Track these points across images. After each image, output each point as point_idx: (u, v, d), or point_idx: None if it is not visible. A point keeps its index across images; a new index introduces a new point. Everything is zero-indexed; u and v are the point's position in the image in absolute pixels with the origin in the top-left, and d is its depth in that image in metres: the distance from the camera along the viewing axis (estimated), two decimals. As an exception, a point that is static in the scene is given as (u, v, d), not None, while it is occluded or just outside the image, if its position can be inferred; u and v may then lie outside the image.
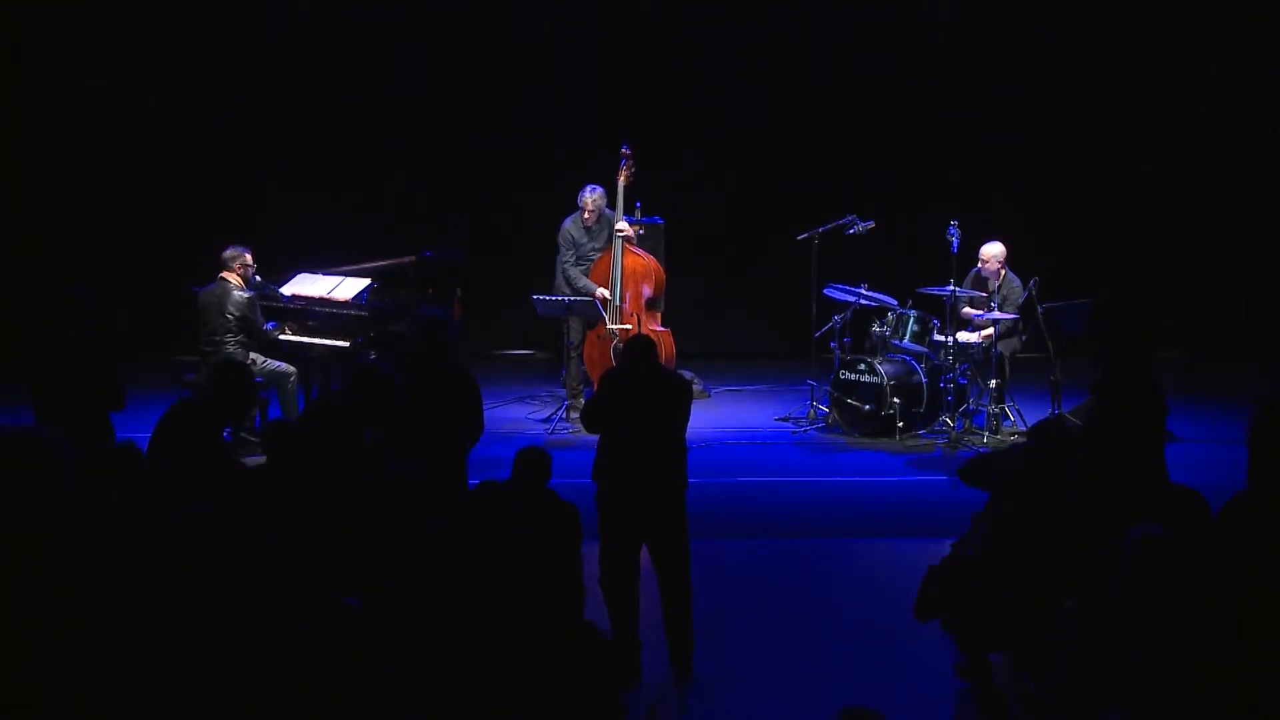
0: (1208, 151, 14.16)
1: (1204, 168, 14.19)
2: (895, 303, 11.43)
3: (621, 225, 11.72)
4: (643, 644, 6.87)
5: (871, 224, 11.73)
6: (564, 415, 11.60)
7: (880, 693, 6.58)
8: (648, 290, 11.76)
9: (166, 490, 6.02)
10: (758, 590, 8.15)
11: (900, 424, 11.07)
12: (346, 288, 11.14)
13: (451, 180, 14.42)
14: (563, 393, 11.97)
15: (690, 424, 6.99)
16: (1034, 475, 6.45)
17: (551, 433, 11.26)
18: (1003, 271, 11.30)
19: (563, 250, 11.88)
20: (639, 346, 7.02)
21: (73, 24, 13.94)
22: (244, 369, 7.61)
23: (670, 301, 12.26)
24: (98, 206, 14.15)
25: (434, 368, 7.68)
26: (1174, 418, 7.40)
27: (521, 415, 12.09)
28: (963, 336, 11.21)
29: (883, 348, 11.35)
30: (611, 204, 11.82)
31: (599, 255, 11.84)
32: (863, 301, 11.45)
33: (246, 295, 10.38)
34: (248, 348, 10.33)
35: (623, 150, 11.81)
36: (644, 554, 6.90)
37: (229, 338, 10.28)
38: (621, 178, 11.78)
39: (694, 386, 11.61)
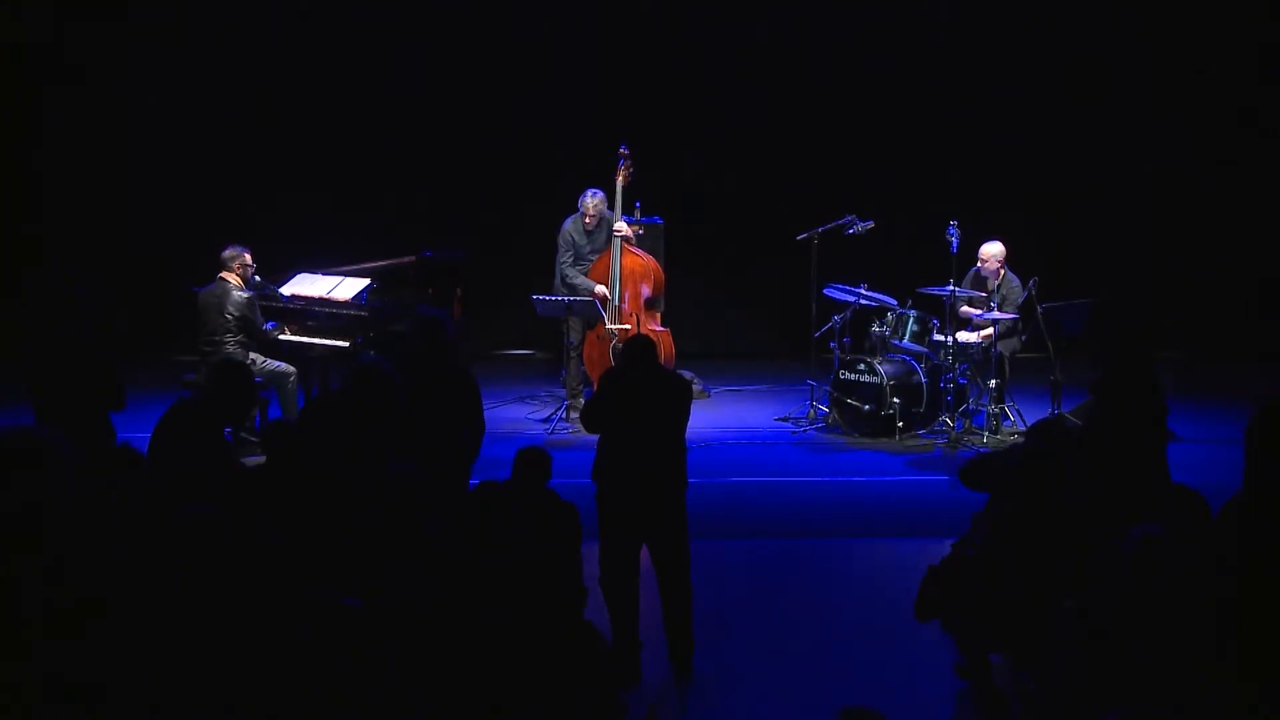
0: (1208, 151, 14.16)
1: (1204, 168, 14.19)
2: (895, 303, 11.44)
3: (620, 225, 11.73)
4: (643, 644, 6.87)
5: (871, 224, 11.73)
6: (564, 415, 11.60)
7: (880, 693, 6.58)
8: (647, 290, 11.77)
9: (166, 490, 6.02)
10: (758, 590, 8.15)
11: (900, 424, 11.07)
12: (346, 288, 11.14)
13: (451, 180, 14.42)
14: (563, 393, 11.98)
15: (690, 424, 6.99)
16: (1034, 475, 6.45)
17: (551, 433, 11.26)
18: (1002, 271, 11.30)
19: (561, 250, 11.88)
20: (639, 346, 7.02)
21: (73, 24, 13.94)
22: (244, 369, 7.60)
23: (670, 301, 12.26)
24: (98, 206, 14.15)
25: (434, 368, 7.68)
26: (1174, 418, 7.39)
27: (521, 415, 12.09)
28: (962, 336, 11.21)
29: (882, 348, 11.35)
30: (610, 204, 11.82)
31: (598, 257, 11.85)
32: (863, 301, 11.45)
33: (246, 295, 10.37)
34: (247, 348, 10.33)
35: (621, 150, 11.81)
36: (644, 554, 6.90)
37: (229, 338, 10.28)
38: (620, 178, 11.78)
39: (694, 386, 11.62)
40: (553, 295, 11.80)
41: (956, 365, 11.12)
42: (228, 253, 10.47)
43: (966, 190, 13.69)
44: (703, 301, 14.28)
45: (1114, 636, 5.20)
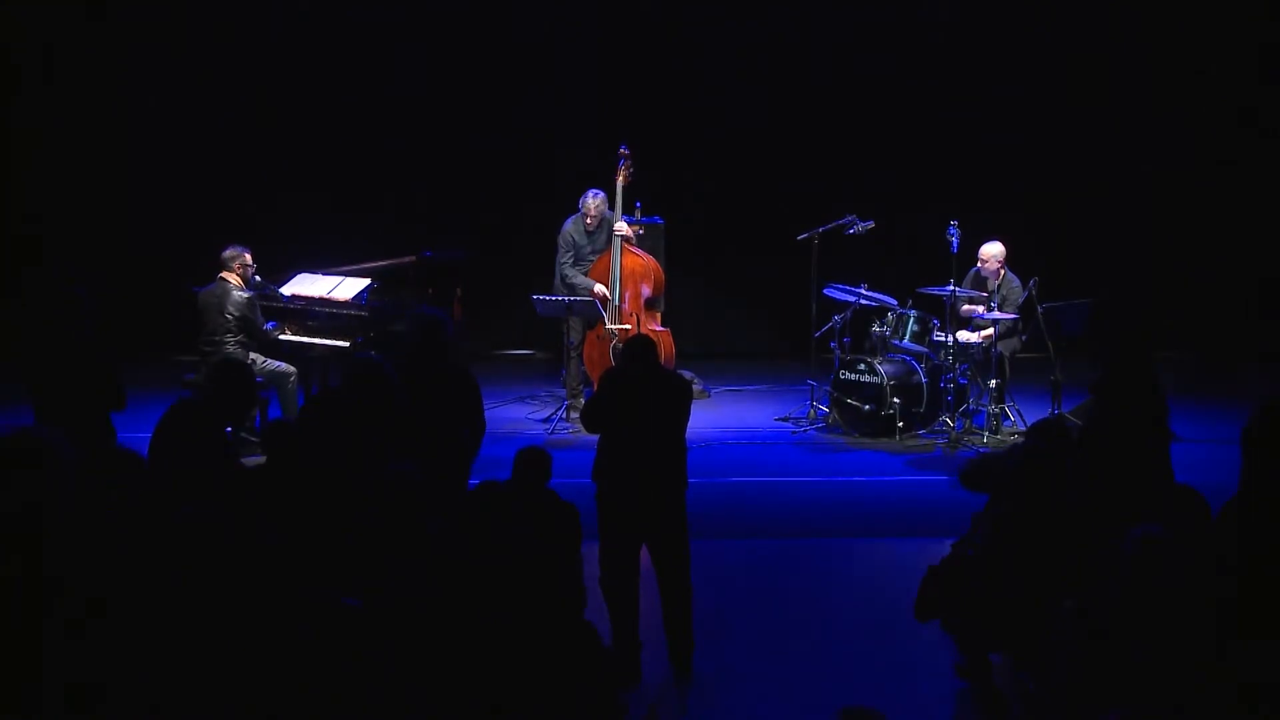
0: (1208, 151, 14.16)
1: (1204, 168, 14.19)
2: (895, 303, 11.44)
3: (620, 225, 11.73)
4: (643, 644, 6.87)
5: (871, 224, 11.73)
6: (564, 415, 11.60)
7: (880, 693, 6.58)
8: (647, 290, 11.77)
9: (166, 490, 6.02)
10: (758, 590, 8.15)
11: (900, 424, 11.07)
12: (346, 288, 11.14)
13: (451, 180, 14.42)
14: (563, 393, 11.98)
15: (690, 424, 6.99)
16: (1034, 475, 6.45)
17: (551, 433, 11.26)
18: (1002, 271, 11.30)
19: (562, 251, 11.88)
20: (639, 346, 7.02)
21: (73, 24, 13.94)
22: (244, 368, 7.60)
23: (670, 301, 12.27)
24: (98, 206, 14.15)
25: (433, 368, 7.68)
26: (1174, 418, 7.39)
27: (521, 415, 12.09)
28: (963, 336, 11.21)
29: (883, 348, 11.35)
30: (610, 204, 11.83)
31: (598, 257, 11.85)
32: (863, 301, 11.45)
33: (246, 295, 10.37)
34: (248, 348, 10.33)
35: (621, 150, 11.81)
36: (644, 554, 6.90)
37: (229, 338, 10.28)
38: (620, 178, 11.78)
39: (694, 386, 11.62)
40: (553, 295, 11.80)
41: (957, 365, 11.12)
42: (228, 253, 10.46)
43: (966, 190, 13.68)
44: (703, 301, 14.28)
45: (1114, 636, 5.20)
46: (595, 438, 7.00)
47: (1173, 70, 14.13)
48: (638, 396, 6.83)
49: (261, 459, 7.15)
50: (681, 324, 12.54)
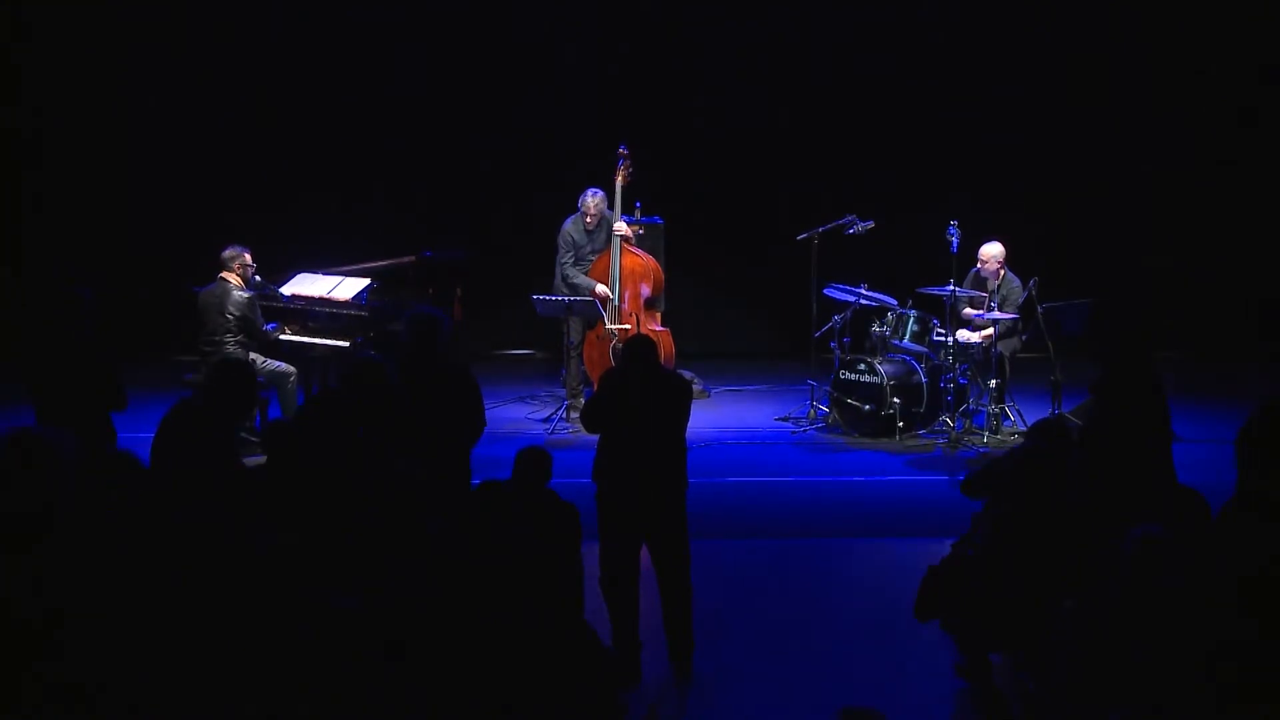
0: (1208, 151, 14.16)
1: (1204, 168, 14.18)
2: (895, 303, 11.44)
3: (620, 225, 11.73)
4: (643, 644, 6.88)
5: (871, 224, 11.73)
6: (564, 415, 11.60)
7: (880, 693, 6.59)
8: (646, 290, 11.77)
9: (166, 490, 6.02)
10: (758, 590, 8.15)
11: (900, 424, 11.07)
12: (346, 288, 11.15)
13: (451, 180, 14.42)
14: (563, 393, 11.98)
15: (690, 424, 6.99)
16: (1034, 475, 6.45)
17: (551, 433, 11.26)
18: (1002, 271, 11.30)
19: (562, 251, 11.88)
20: (638, 346, 7.02)
21: (73, 24, 13.94)
22: (246, 367, 7.59)
23: (670, 301, 12.27)
24: (98, 206, 14.16)
25: (432, 367, 7.68)
26: (1174, 417, 7.40)
27: (521, 415, 12.09)
28: (963, 336, 11.21)
29: (883, 348, 11.35)
30: (610, 204, 11.83)
31: (598, 257, 11.85)
32: (863, 301, 11.45)
33: (246, 295, 10.38)
34: (247, 348, 10.33)
35: (620, 150, 11.81)
36: (644, 554, 6.90)
37: (229, 338, 10.28)
38: (619, 178, 11.78)
39: (694, 386, 11.62)
40: (553, 295, 11.80)
41: (957, 365, 11.12)
42: (228, 253, 10.47)
43: (966, 190, 13.68)
44: (703, 301, 14.28)
45: (1114, 636, 5.20)
46: (595, 438, 7.00)
47: (1173, 70, 14.12)
48: (638, 396, 6.83)
49: (261, 459, 7.16)
50: (681, 324, 12.54)
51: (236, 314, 10.28)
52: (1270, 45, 13.93)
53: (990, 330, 11.11)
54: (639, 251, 11.88)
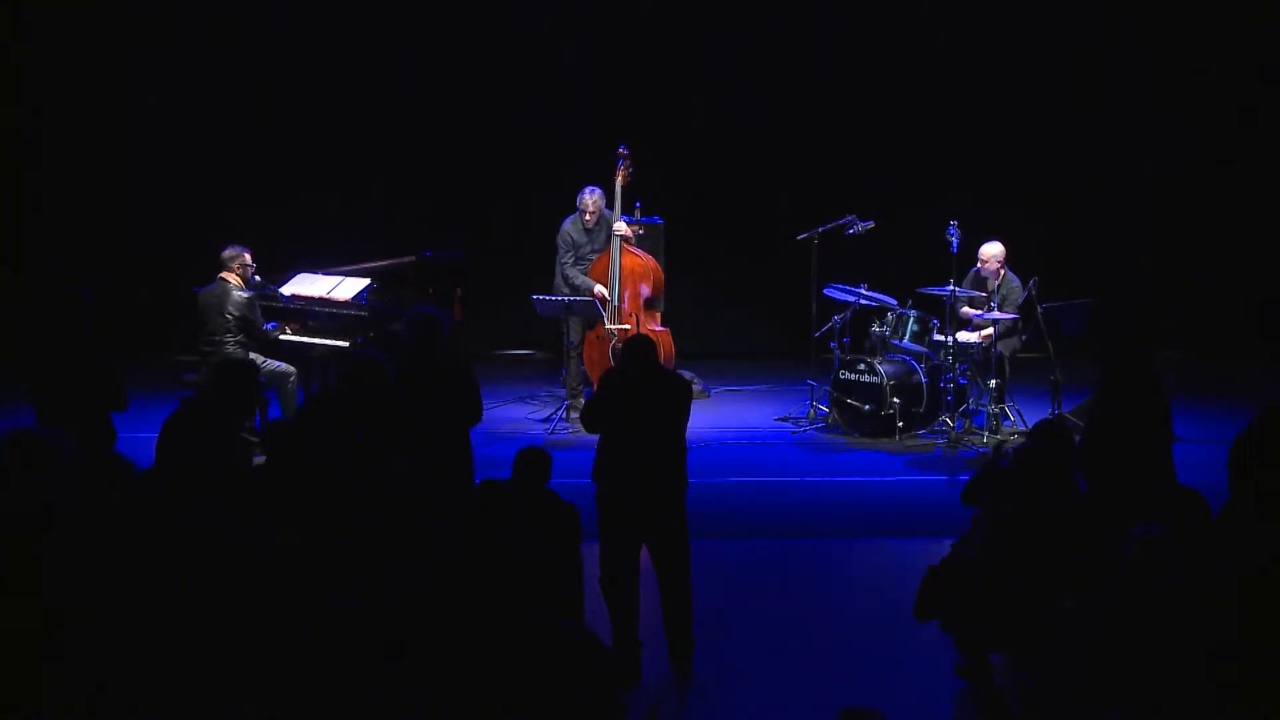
0: (1208, 151, 14.15)
1: (1204, 168, 14.18)
2: (895, 303, 11.43)
3: (619, 225, 11.72)
4: (643, 644, 6.88)
5: (871, 224, 11.73)
6: (564, 415, 11.60)
7: (880, 693, 6.59)
8: (646, 290, 11.77)
9: (167, 490, 6.02)
10: (758, 590, 8.16)
11: (900, 424, 11.07)
12: (346, 288, 11.14)
13: (451, 180, 14.41)
14: (563, 393, 11.97)
15: (690, 424, 7.00)
16: (1034, 475, 6.45)
17: (551, 433, 11.26)
18: (1002, 271, 11.30)
19: (561, 251, 11.88)
20: (638, 346, 7.02)
21: (73, 24, 13.94)
22: (248, 367, 7.60)
23: (670, 301, 12.26)
24: (98, 206, 14.15)
25: (432, 366, 7.69)
26: (1174, 417, 7.40)
27: (521, 415, 12.08)
28: (962, 336, 11.21)
29: (883, 348, 11.35)
30: (610, 204, 11.82)
31: (598, 256, 11.84)
32: (863, 301, 11.45)
33: (246, 295, 10.37)
34: (247, 348, 10.32)
35: (620, 150, 11.81)
36: (644, 554, 6.90)
37: (229, 338, 10.27)
38: (619, 178, 11.78)
39: (694, 386, 11.62)
40: (553, 295, 11.80)
41: (956, 365, 11.12)
42: (228, 253, 10.46)
43: (966, 190, 13.67)
44: (703, 301, 14.27)
45: (1114, 636, 5.20)
46: (595, 438, 7.00)
47: (1173, 70, 14.11)
48: (638, 396, 6.84)
49: (261, 459, 7.16)
50: (681, 324, 12.54)
51: (236, 314, 10.28)
52: (1270, 45, 13.92)
53: (990, 330, 11.10)
54: (639, 251, 11.88)
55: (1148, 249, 14.22)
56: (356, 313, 10.97)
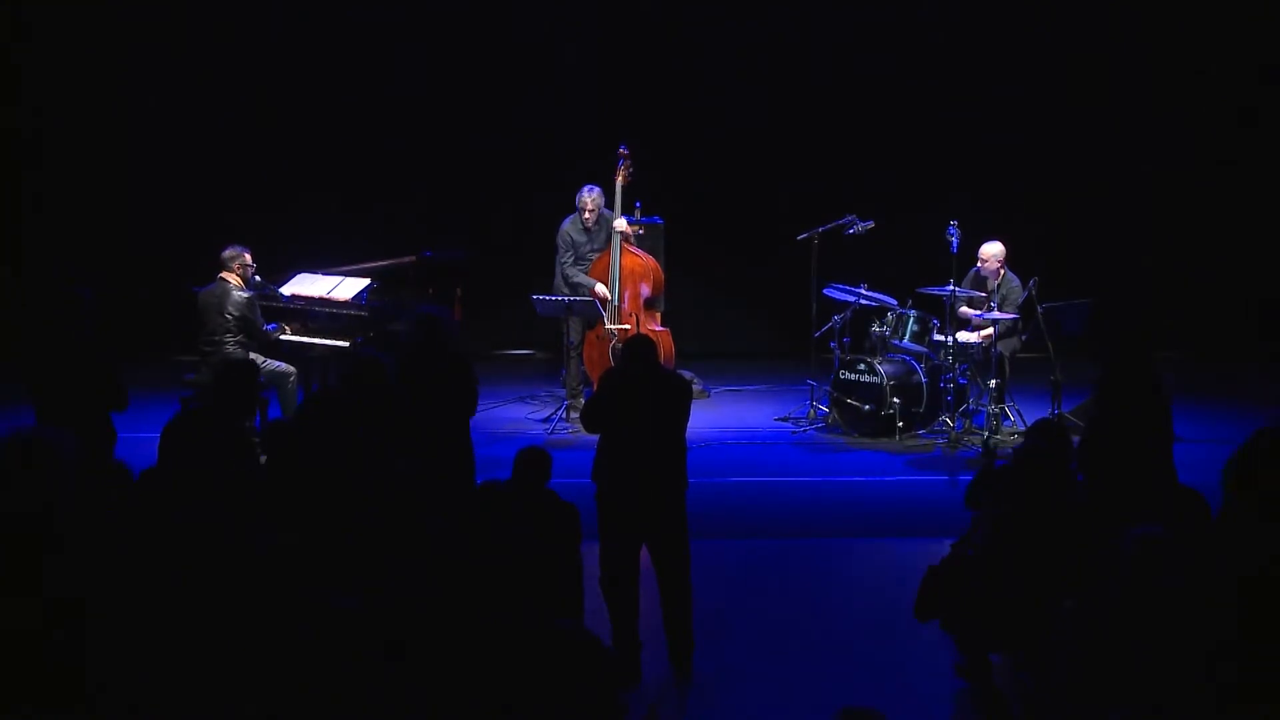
0: (1208, 151, 14.15)
1: (1204, 168, 14.18)
2: (895, 303, 11.43)
3: (619, 222, 11.72)
4: (643, 644, 6.88)
5: (871, 224, 11.73)
6: (564, 415, 11.60)
7: (880, 693, 6.59)
8: (646, 290, 11.77)
9: (168, 490, 6.02)
10: (758, 590, 8.15)
11: (900, 424, 11.07)
12: (346, 288, 11.14)
13: (451, 180, 14.41)
14: (563, 393, 11.97)
15: (690, 424, 7.00)
16: (1034, 475, 6.45)
17: (551, 433, 11.26)
18: (1002, 271, 11.30)
19: (561, 251, 11.88)
20: (638, 346, 7.02)
21: (73, 24, 13.94)
22: (252, 367, 7.60)
23: (670, 301, 12.26)
24: (98, 206, 14.16)
25: (433, 366, 7.69)
26: (1174, 417, 7.40)
27: (521, 415, 12.08)
28: (962, 336, 11.21)
29: (883, 348, 11.35)
30: (610, 204, 11.82)
31: (598, 256, 11.84)
32: (863, 301, 11.45)
33: (246, 295, 10.37)
34: (247, 348, 10.32)
35: (620, 150, 11.81)
36: (644, 554, 6.90)
37: (229, 338, 10.27)
38: (619, 178, 11.78)
39: (694, 386, 11.62)
40: (553, 295, 11.81)
41: (956, 365, 11.12)
42: (228, 253, 10.46)
43: (966, 190, 13.67)
44: (703, 301, 14.27)
45: (1114, 636, 5.20)
46: (595, 438, 7.00)
47: (1173, 70, 14.12)
48: (638, 396, 6.84)
49: (262, 459, 7.16)
50: (681, 324, 12.54)
51: (236, 314, 10.28)
52: (1270, 45, 13.93)
53: (990, 330, 11.10)
54: (639, 251, 11.88)
55: (1148, 249, 14.22)
56: (356, 313, 10.97)
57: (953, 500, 8.62)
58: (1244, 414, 11.18)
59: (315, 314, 11.02)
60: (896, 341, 11.26)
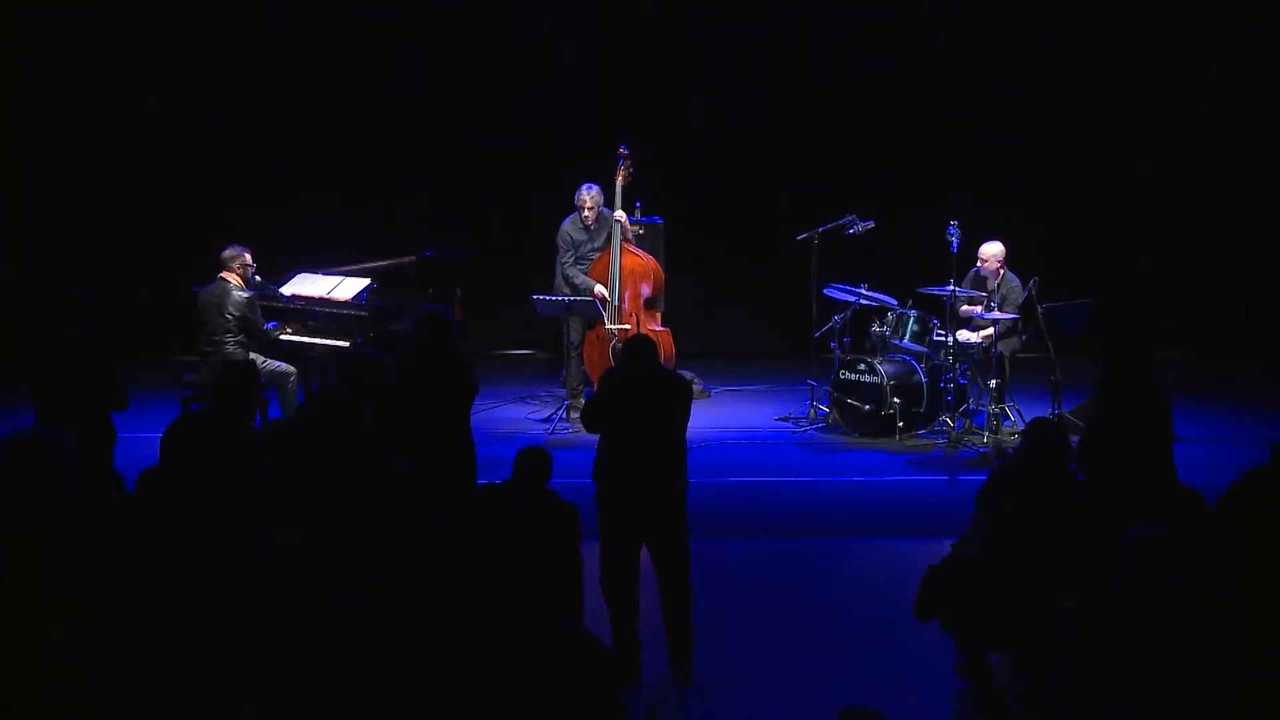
0: (1208, 151, 14.15)
1: (1204, 168, 14.18)
2: (895, 303, 11.43)
3: (619, 213, 11.71)
4: (643, 644, 6.88)
5: (871, 224, 11.73)
6: (564, 415, 11.60)
7: (880, 693, 6.59)
8: (646, 290, 11.77)
9: (168, 490, 6.02)
10: (758, 590, 8.15)
11: (900, 424, 11.06)
12: (346, 288, 11.14)
13: (451, 180, 14.41)
14: (563, 393, 11.97)
15: (690, 424, 7.00)
16: (1034, 475, 6.45)
17: (551, 433, 11.26)
18: (1002, 271, 11.30)
19: (561, 251, 11.88)
20: (639, 346, 7.02)
21: (73, 24, 13.94)
22: (253, 368, 7.60)
23: (670, 301, 12.26)
24: (98, 206, 14.16)
25: (434, 366, 7.69)
26: (1174, 417, 7.40)
27: (521, 415, 12.08)
28: (963, 336, 11.21)
29: (883, 348, 11.35)
30: (610, 204, 11.82)
31: (598, 255, 11.84)
32: (863, 301, 11.45)
33: (246, 295, 10.37)
34: (247, 348, 10.32)
35: (620, 150, 11.81)
36: (644, 554, 6.90)
37: (229, 338, 10.27)
38: (619, 178, 11.78)
39: (694, 386, 11.62)
40: (553, 295, 11.80)
41: (956, 365, 11.11)
42: (228, 253, 10.46)
43: (966, 190, 13.67)
44: (703, 301, 14.27)
45: (1114, 636, 5.20)
46: (595, 438, 7.00)
47: (1173, 70, 14.11)
48: (638, 396, 6.84)
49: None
50: (681, 324, 12.54)
51: (236, 314, 10.28)
52: (1270, 45, 13.92)
53: (990, 330, 11.10)
54: (639, 251, 11.88)
55: (1148, 249, 14.22)
56: (356, 313, 10.97)
57: (953, 500, 8.65)
58: (1244, 414, 11.19)
59: (315, 314, 11.02)
60: (897, 341, 11.26)
